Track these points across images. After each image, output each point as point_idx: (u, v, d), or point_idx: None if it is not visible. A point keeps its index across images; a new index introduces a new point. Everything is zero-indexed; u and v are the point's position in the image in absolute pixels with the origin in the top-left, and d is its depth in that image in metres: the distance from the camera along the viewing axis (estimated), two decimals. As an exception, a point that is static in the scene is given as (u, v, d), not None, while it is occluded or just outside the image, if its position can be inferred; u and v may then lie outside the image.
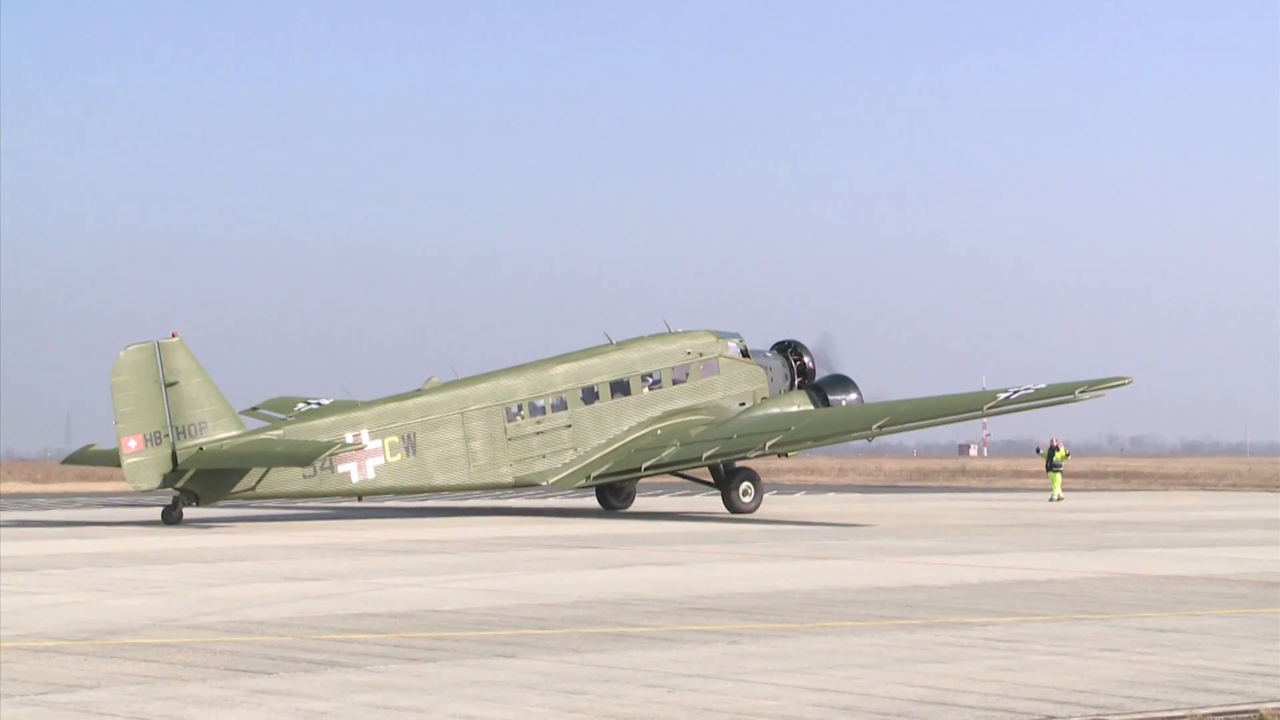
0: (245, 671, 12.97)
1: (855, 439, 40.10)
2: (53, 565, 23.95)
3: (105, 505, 48.85)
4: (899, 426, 37.80)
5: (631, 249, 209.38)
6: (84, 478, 77.72)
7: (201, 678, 12.66)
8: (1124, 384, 36.09)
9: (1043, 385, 36.41)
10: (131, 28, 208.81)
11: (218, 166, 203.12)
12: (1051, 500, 49.08)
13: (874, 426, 37.29)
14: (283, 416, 41.73)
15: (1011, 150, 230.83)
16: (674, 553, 26.33)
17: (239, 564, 24.18)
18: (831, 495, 55.43)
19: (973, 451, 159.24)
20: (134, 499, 54.13)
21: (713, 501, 47.83)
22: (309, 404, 43.33)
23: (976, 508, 45.23)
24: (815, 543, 28.95)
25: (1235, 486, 67.34)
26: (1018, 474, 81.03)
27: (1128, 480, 75.16)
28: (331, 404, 42.26)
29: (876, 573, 22.31)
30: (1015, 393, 36.27)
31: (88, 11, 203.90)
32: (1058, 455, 50.27)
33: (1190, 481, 72.96)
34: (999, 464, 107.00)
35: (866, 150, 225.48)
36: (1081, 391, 35.84)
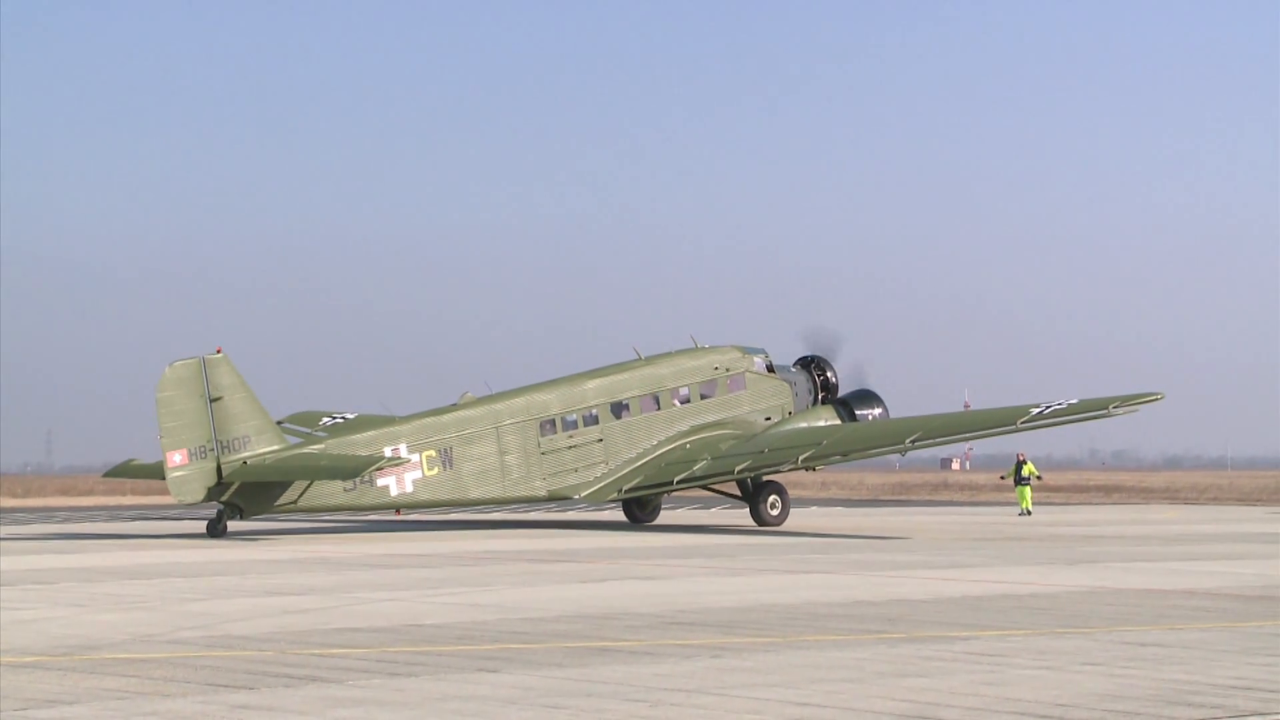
0: (226, 686, 12.92)
1: (888, 453, 40.56)
2: (33, 580, 23.84)
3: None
4: (931, 441, 38.24)
5: (653, 261, 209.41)
6: (65, 491, 77.39)
7: (182, 693, 12.61)
8: (1156, 399, 36.25)
9: (1075, 400, 36.51)
10: (127, 29, 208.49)
11: (206, 179, 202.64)
12: (1021, 515, 48.94)
13: (907, 441, 37.67)
14: (307, 430, 42.20)
15: (988, 163, 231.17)
16: (657, 566, 26.32)
17: (220, 578, 24.10)
18: (814, 509, 55.43)
19: (955, 466, 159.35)
20: (114, 512, 53.95)
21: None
22: (334, 418, 43.88)
23: (960, 522, 45.26)
24: (797, 556, 28.95)
25: (1216, 500, 67.50)
26: (999, 488, 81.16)
27: (1109, 494, 75.30)
28: (357, 418, 42.93)
29: (858, 587, 22.32)
30: (1048, 408, 36.37)
31: (85, 18, 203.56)
32: (1026, 469, 50.11)
33: (1171, 495, 73.13)
34: (981, 478, 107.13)
35: (855, 153, 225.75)
36: (1115, 407, 36.06)
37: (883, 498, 72.75)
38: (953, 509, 57.49)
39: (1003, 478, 54.33)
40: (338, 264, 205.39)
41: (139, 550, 32.00)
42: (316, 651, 15.08)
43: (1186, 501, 66.63)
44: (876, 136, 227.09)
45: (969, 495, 75.73)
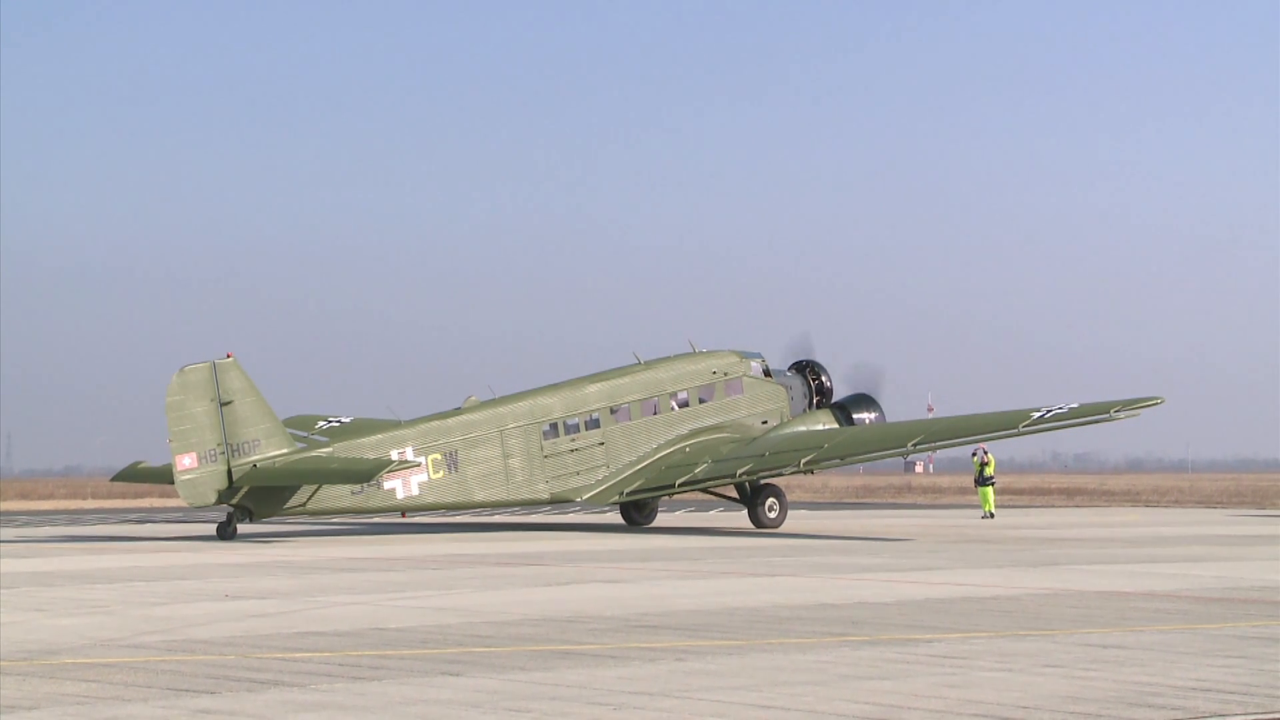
0: (187, 691, 12.86)
1: (890, 456, 41.06)
2: (-8, 584, 23.66)
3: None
4: (933, 444, 38.66)
5: (652, 266, 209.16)
6: (24, 495, 76.86)
7: (143, 698, 12.55)
8: (1157, 404, 36.64)
9: (1076, 404, 36.87)
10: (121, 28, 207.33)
11: (187, 180, 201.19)
12: (985, 517, 48.99)
13: (909, 444, 38.02)
14: (304, 434, 42.39)
15: (977, 166, 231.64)
16: (621, 570, 26.33)
17: (182, 583, 23.99)
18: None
19: (918, 468, 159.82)
20: (75, 516, 53.61)
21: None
22: (329, 421, 44.14)
23: (924, 524, 45.39)
24: (762, 559, 29.01)
25: (1177, 503, 67.94)
26: (963, 490, 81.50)
27: (1071, 497, 75.67)
28: (352, 422, 43.37)
29: (822, 590, 22.37)
30: (1050, 412, 36.70)
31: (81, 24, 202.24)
32: (989, 469, 50.08)
33: (1133, 498, 73.55)
34: (944, 480, 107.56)
35: (852, 156, 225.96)
36: (1116, 411, 36.52)
37: (846, 500, 72.92)
38: (916, 511, 57.66)
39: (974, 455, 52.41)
40: (337, 268, 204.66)
41: (99, 554, 31.82)
42: (279, 655, 15.02)
43: (1147, 504, 67.02)
44: (872, 138, 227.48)
45: (932, 498, 75.99)
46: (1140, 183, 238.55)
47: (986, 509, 49.68)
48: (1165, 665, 14.28)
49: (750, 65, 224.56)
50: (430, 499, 38.57)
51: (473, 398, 40.32)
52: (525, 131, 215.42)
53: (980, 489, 50.01)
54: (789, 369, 43.51)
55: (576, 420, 40.26)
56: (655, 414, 41.05)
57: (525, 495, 39.68)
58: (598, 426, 40.46)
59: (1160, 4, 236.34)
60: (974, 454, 49.81)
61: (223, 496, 36.39)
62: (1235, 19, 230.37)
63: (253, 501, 36.76)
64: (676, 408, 41.36)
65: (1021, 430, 37.05)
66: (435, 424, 38.95)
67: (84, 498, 74.36)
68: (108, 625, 17.73)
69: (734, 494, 42.15)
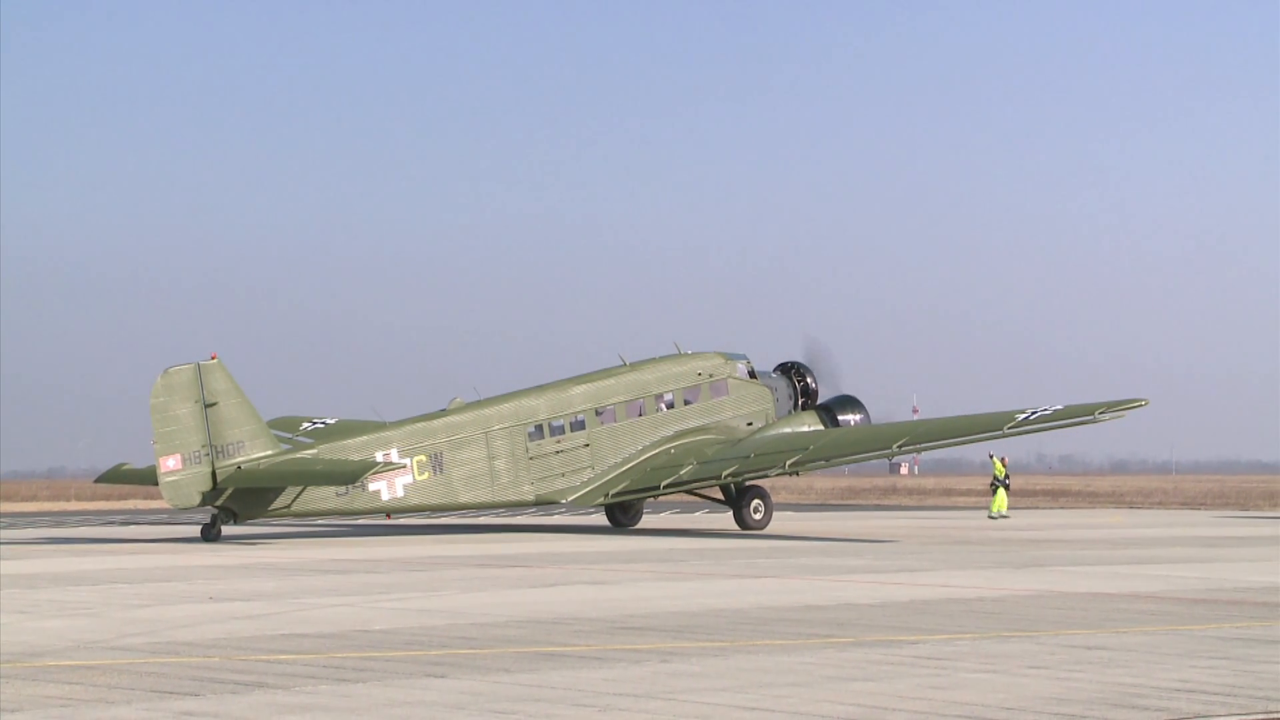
0: (171, 693, 12.83)
1: (875, 458, 41.25)
2: (-25, 586, 23.59)
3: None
4: (918, 446, 38.91)
5: (637, 267, 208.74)
6: (9, 497, 76.68)
7: (127, 700, 12.52)
8: (1141, 405, 36.85)
9: (1060, 406, 37.06)
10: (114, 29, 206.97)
11: (172, 181, 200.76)
12: (993, 518, 49.09)
13: (894, 446, 38.24)
14: (289, 435, 42.41)
15: (965, 167, 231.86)
16: (606, 572, 26.33)
17: (166, 584, 23.94)
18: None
19: (904, 470, 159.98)
20: (59, 518, 53.50)
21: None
22: (314, 423, 44.17)
23: (909, 526, 45.46)
24: (747, 561, 29.03)
25: (1161, 504, 68.13)
26: (948, 492, 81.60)
27: (1056, 498, 75.82)
28: (337, 423, 43.35)
29: (807, 591, 22.39)
30: (1034, 413, 36.89)
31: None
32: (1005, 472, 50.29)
33: (1117, 500, 73.73)
34: (929, 482, 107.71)
35: (842, 157, 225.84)
36: (1101, 412, 36.73)
37: (831, 502, 72.98)
38: (901, 513, 57.71)
39: (991, 456, 52.52)
40: (322, 269, 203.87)
41: (83, 556, 31.75)
42: (263, 657, 15.00)
43: (1132, 506, 67.19)
44: (861, 140, 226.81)
45: (917, 500, 76.09)
46: (1127, 186, 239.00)
47: (994, 510, 49.90)
48: (1149, 666, 14.31)
49: (740, 65, 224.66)
50: (415, 500, 38.64)
51: (458, 399, 40.40)
52: (512, 132, 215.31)
53: (999, 489, 50.12)
54: (774, 370, 43.67)
55: (562, 422, 40.37)
56: (640, 415, 41.22)
57: (510, 497, 39.78)
58: (583, 428, 40.56)
59: (1156, 4, 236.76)
60: (991, 455, 50.32)
61: (207, 498, 36.35)
62: (1233, 19, 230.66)
63: (237, 503, 36.75)
64: (662, 409, 41.55)
65: (1006, 432, 37.24)
66: (420, 425, 39.01)
67: (68, 499, 74.17)
68: (91, 627, 17.69)
69: (719, 495, 42.23)
